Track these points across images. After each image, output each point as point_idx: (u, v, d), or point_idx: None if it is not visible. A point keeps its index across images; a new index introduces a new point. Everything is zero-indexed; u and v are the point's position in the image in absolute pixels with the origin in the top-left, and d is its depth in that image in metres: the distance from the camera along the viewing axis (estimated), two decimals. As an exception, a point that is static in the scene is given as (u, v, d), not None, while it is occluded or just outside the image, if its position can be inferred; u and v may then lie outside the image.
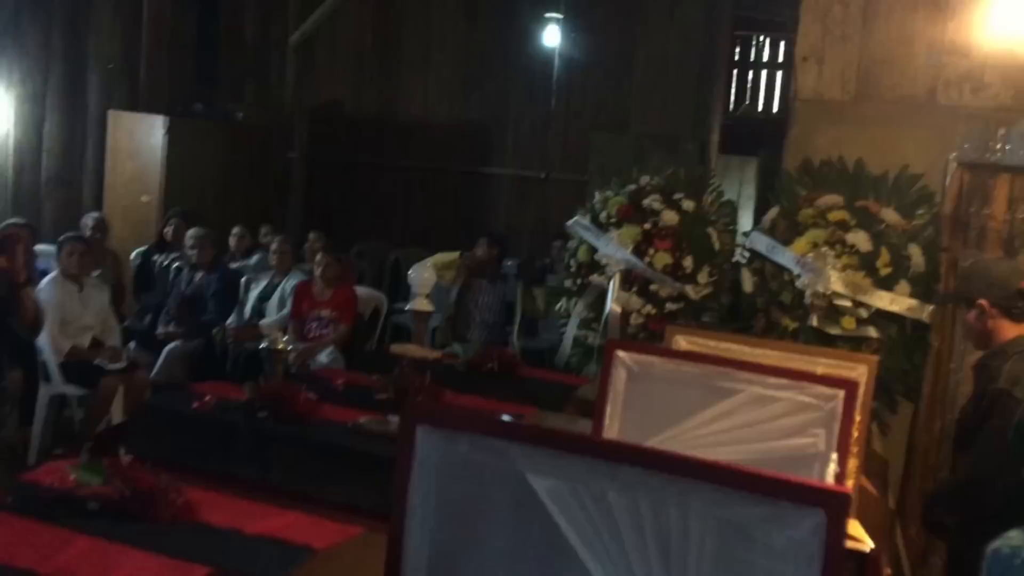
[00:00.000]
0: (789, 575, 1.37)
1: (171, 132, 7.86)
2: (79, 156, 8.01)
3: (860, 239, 4.14)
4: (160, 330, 6.01)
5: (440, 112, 9.27)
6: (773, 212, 4.53)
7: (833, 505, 1.35)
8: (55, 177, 7.78)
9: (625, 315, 4.72)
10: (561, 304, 5.12)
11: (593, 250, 4.87)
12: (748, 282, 4.57)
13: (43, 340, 4.68)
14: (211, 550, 1.93)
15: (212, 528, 2.09)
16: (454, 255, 5.87)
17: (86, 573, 1.70)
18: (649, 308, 4.70)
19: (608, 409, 2.83)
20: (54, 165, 7.84)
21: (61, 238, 5.27)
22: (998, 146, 3.88)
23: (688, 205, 4.76)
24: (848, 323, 4.16)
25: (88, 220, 6.87)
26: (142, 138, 7.92)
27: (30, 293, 3.04)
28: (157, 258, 6.81)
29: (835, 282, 4.12)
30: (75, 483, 2.16)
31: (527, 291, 6.01)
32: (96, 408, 4.78)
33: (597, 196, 5.09)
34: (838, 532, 1.35)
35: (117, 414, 4.69)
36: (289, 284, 6.10)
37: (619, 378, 2.81)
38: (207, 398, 3.08)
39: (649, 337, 4.49)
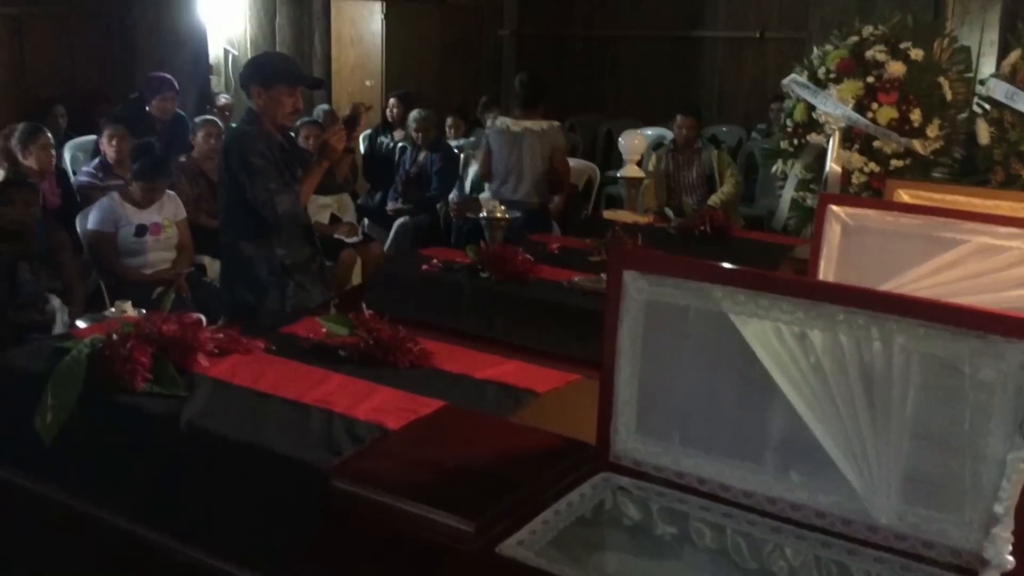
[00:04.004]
0: (995, 406, 1.38)
1: (388, 17, 8.17)
2: (308, 46, 8.48)
3: (1117, 78, 3.75)
4: (390, 206, 6.44)
5: (649, -23, 9.02)
6: (1014, 55, 4.18)
7: (1046, 338, 1.33)
8: (288, 68, 8.32)
9: (846, 174, 4.55)
10: (777, 166, 5.00)
11: (811, 108, 4.69)
12: (984, 133, 4.27)
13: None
14: (445, 390, 2.13)
15: (445, 373, 2.30)
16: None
17: (341, 402, 1.95)
18: (872, 166, 4.50)
19: (822, 265, 2.81)
20: (286, 56, 8.38)
21: (297, 123, 5.69)
22: None
23: (916, 54, 4.46)
24: (1099, 172, 3.82)
25: (318, 112, 7.36)
26: (363, 25, 8.29)
27: (348, 158, 3.77)
28: (382, 139, 7.21)
29: (1085, 128, 3.77)
30: (326, 334, 2.45)
31: (721, 155, 5.81)
32: (338, 276, 5.25)
33: (816, 52, 4.86)
34: (1051, 365, 1.33)
35: (356, 281, 5.14)
36: (505, 158, 6.29)
37: (833, 233, 2.77)
38: (434, 261, 3.32)
39: (872, 196, 4.32)
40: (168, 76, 6.25)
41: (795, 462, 1.58)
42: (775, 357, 1.57)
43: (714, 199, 5.46)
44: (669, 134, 6.86)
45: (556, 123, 5.26)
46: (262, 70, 3.46)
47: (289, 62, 3.70)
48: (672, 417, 1.70)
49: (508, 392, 2.21)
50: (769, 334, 1.57)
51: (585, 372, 2.23)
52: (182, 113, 6.30)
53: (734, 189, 5.61)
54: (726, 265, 1.62)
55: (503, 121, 5.26)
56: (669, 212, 4.49)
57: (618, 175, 5.16)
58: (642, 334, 1.71)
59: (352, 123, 3.58)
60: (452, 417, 1.96)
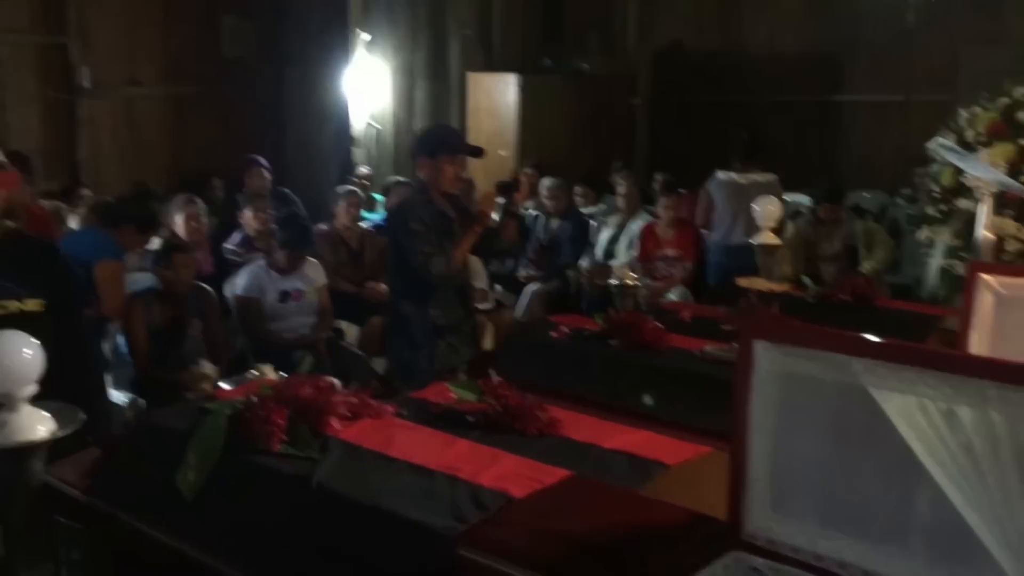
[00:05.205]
0: None
1: (523, 89, 8.37)
2: (445, 118, 8.76)
3: None
4: (521, 273, 6.51)
5: (785, 42, 8.92)
6: None
7: None
8: (426, 139, 8.62)
9: (999, 241, 4.33)
10: (924, 232, 4.80)
11: (959, 173, 4.50)
12: None
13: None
14: (572, 459, 2.11)
15: (572, 441, 2.27)
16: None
17: (467, 469, 1.96)
18: (1028, 232, 4.27)
19: (973, 337, 2.67)
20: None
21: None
22: None
23: (1074, 115, 4.24)
24: None
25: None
26: (498, 96, 8.51)
27: (513, 222, 4.04)
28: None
29: None
30: (456, 399, 2.47)
31: (868, 226, 5.59)
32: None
33: (963, 114, 4.68)
34: None
35: (487, 347, 5.18)
36: (636, 226, 6.28)
37: (985, 303, 2.63)
38: (564, 329, 3.32)
39: (1028, 265, 4.09)
40: (257, 156, 6.68)
41: (945, 548, 1.47)
42: (920, 435, 1.48)
43: (867, 265, 5.26)
44: (805, 200, 6.70)
45: (775, 176, 5.85)
46: (427, 142, 3.72)
47: (451, 134, 3.97)
48: (809, 495, 1.62)
49: (636, 463, 2.16)
50: (913, 410, 1.48)
51: (717, 444, 2.15)
52: (282, 190, 6.65)
53: (888, 255, 5.40)
54: (865, 336, 1.55)
55: (726, 174, 5.83)
56: (807, 280, 4.35)
57: (753, 242, 5.06)
58: (776, 407, 1.65)
59: (507, 189, 3.75)
60: (578, 487, 1.93)
